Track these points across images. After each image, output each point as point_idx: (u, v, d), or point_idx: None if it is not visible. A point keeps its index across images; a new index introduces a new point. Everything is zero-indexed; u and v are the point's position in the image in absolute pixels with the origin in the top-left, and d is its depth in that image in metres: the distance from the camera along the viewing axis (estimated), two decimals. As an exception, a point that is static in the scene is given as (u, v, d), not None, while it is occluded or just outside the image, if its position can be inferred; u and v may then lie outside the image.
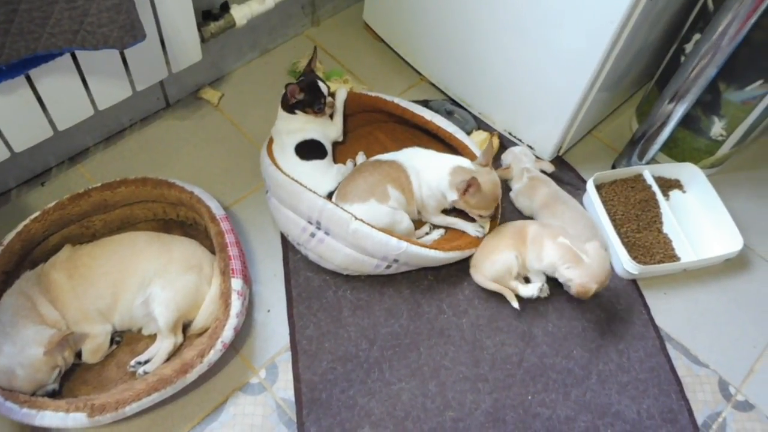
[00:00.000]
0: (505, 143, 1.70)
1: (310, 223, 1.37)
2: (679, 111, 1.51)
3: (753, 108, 1.52)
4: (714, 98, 1.54)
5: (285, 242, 1.48)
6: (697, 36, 1.51)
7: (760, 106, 1.51)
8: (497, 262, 1.39)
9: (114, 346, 1.29)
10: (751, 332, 1.49)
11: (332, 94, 1.55)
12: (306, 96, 1.45)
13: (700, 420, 1.34)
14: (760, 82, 1.46)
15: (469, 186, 1.33)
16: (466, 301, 1.43)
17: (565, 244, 1.35)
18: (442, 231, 1.49)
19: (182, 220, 1.46)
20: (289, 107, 1.47)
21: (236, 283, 1.27)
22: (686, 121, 1.58)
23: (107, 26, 1.18)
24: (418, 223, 1.49)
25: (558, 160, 1.69)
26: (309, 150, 1.46)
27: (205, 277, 1.31)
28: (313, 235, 1.36)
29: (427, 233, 1.48)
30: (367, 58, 1.89)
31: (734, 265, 1.57)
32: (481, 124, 1.73)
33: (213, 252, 1.35)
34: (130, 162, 1.60)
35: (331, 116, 1.56)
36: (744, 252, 1.54)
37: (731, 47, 1.35)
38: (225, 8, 1.56)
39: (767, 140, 1.84)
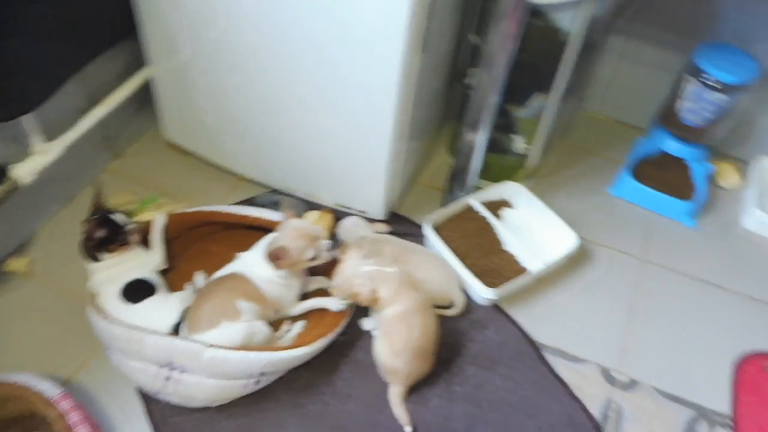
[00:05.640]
0: (340, 216, 1.71)
1: (161, 366, 1.26)
2: (482, 139, 1.62)
3: (540, 118, 1.67)
4: (507, 119, 1.67)
5: (143, 395, 1.36)
6: (475, 70, 1.65)
7: (546, 115, 1.66)
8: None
9: None
10: (610, 314, 1.59)
11: (148, 223, 1.48)
12: (107, 233, 1.37)
13: (597, 413, 1.40)
14: (536, 94, 1.60)
15: (277, 256, 1.33)
16: (347, 384, 1.39)
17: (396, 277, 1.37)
18: (302, 322, 1.45)
19: (15, 417, 1.27)
20: (92, 256, 1.38)
21: (94, 466, 1.13)
22: (491, 146, 1.69)
23: None
24: (276, 323, 1.44)
25: (393, 216, 1.73)
26: (135, 291, 1.36)
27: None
28: (168, 378, 1.26)
29: (288, 330, 1.43)
30: (179, 175, 1.84)
31: (577, 258, 1.69)
32: (311, 205, 1.74)
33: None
34: (-59, 367, 1.40)
35: (147, 246, 1.48)
36: (581, 244, 1.66)
37: (504, 73, 1.48)
38: (1, 172, 1.44)
39: (567, 142, 2.03)
